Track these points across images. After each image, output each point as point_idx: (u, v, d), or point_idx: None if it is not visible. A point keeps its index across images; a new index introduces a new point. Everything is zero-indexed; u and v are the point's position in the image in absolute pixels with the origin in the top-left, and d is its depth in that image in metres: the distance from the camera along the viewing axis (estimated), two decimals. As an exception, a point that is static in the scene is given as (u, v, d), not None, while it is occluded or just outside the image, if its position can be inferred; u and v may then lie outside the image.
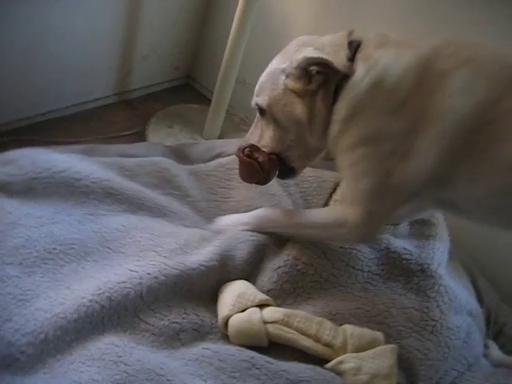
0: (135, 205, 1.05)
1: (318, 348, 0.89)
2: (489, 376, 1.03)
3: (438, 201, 0.98)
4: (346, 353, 0.89)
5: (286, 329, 0.90)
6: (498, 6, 1.28)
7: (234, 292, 0.94)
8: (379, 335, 0.92)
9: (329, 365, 0.88)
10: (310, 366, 0.87)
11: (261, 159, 0.99)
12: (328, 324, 0.91)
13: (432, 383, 0.95)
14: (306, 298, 1.00)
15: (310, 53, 0.92)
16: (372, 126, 0.90)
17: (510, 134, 0.83)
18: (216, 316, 0.93)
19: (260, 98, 1.00)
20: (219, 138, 1.82)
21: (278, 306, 0.95)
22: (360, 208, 0.93)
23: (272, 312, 0.92)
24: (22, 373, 0.75)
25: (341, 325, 0.93)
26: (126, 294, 0.85)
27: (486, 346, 1.11)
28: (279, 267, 1.01)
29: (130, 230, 0.98)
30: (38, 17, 1.50)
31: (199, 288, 0.94)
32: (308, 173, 1.24)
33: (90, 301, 0.82)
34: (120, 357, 0.80)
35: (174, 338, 0.88)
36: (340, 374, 0.87)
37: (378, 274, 1.05)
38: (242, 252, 0.99)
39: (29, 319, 0.79)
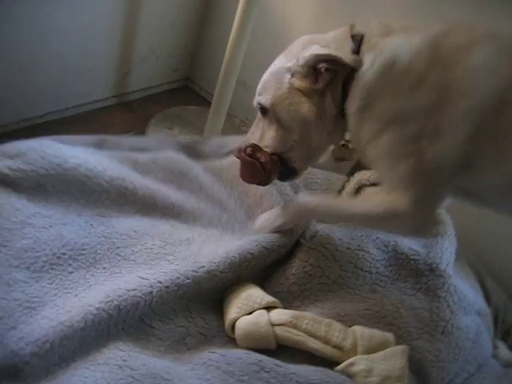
0: (148, 206, 1.02)
1: (327, 350, 0.88)
2: (500, 377, 1.02)
3: (462, 189, 0.94)
4: (356, 354, 0.87)
5: (294, 331, 0.88)
6: (498, 6, 1.28)
7: (241, 294, 0.92)
8: (389, 336, 0.91)
9: (339, 367, 0.86)
10: (320, 369, 0.85)
11: (263, 159, 0.97)
12: (337, 325, 0.90)
13: (443, 385, 0.94)
14: (314, 300, 0.98)
15: (318, 50, 0.91)
16: (390, 107, 0.88)
17: None
18: (222, 319, 0.92)
19: (263, 97, 0.98)
20: (221, 140, 1.81)
21: (285, 308, 0.94)
22: (407, 196, 0.88)
23: (280, 314, 0.90)
24: (25, 382, 0.73)
25: (350, 326, 0.92)
26: (135, 303, 0.83)
27: (494, 347, 1.10)
28: (286, 269, 1.00)
29: (141, 237, 0.96)
30: (35, 18, 1.48)
31: (207, 293, 0.93)
32: (317, 175, 1.23)
33: (98, 309, 0.80)
34: (125, 361, 0.79)
35: (180, 343, 0.87)
36: (351, 376, 0.85)
37: (386, 276, 1.04)
38: (252, 257, 0.96)
39: (34, 327, 0.76)
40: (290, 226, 1.02)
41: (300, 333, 0.88)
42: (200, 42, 2.05)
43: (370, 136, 0.90)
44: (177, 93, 2.08)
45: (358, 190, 1.20)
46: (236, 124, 1.95)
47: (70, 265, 0.87)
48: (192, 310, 0.90)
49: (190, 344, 0.87)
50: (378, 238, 1.08)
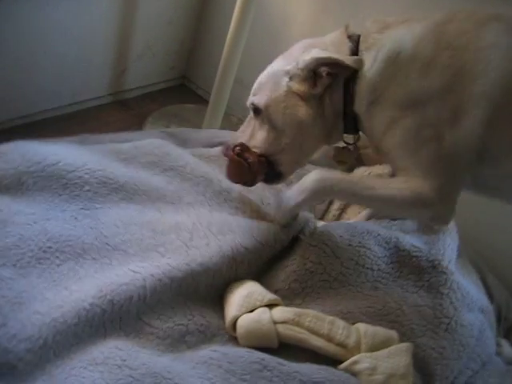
0: (131, 191, 1.01)
1: (331, 348, 0.86)
2: (504, 374, 1.01)
3: (479, 180, 0.93)
4: (359, 352, 0.86)
5: (297, 329, 0.87)
6: (499, 4, 1.27)
7: (242, 292, 0.91)
8: (393, 333, 0.90)
9: (343, 365, 0.85)
10: (323, 367, 0.83)
11: (251, 160, 0.96)
12: (340, 323, 0.88)
13: (448, 383, 0.93)
14: (315, 297, 0.97)
15: (319, 53, 0.90)
16: (402, 94, 0.87)
17: None
18: (223, 317, 0.90)
19: (257, 98, 0.97)
20: (217, 138, 1.79)
21: (287, 305, 0.92)
22: (429, 182, 0.86)
23: (282, 312, 0.89)
24: (20, 380, 0.71)
25: (353, 324, 0.90)
26: (128, 297, 0.81)
27: (498, 344, 1.09)
28: (287, 266, 0.99)
29: (128, 226, 0.94)
30: (33, 17, 1.47)
31: (204, 289, 0.91)
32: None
33: (91, 304, 0.79)
34: (124, 360, 0.77)
35: (180, 341, 0.85)
36: (355, 374, 0.84)
37: (388, 273, 1.03)
38: (247, 251, 0.95)
39: (25, 324, 0.74)
40: (310, 203, 0.98)
41: (303, 330, 0.87)
42: (197, 39, 2.04)
43: (385, 127, 0.89)
44: (173, 91, 2.07)
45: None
46: (233, 122, 1.94)
47: (58, 257, 0.85)
48: (191, 307, 0.89)
49: (190, 342, 0.85)
50: (379, 234, 1.07)
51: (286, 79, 0.94)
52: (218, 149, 1.18)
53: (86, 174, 0.98)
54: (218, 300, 0.93)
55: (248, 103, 1.00)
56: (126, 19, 1.74)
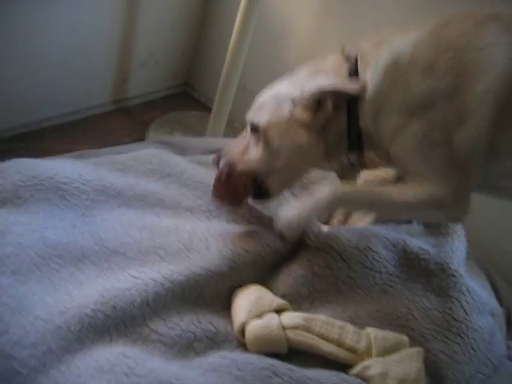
0: (129, 197, 1.01)
1: (341, 353, 0.85)
2: (517, 378, 0.99)
3: (489, 180, 0.93)
4: (370, 357, 0.85)
5: (307, 334, 0.86)
6: (500, 6, 1.27)
7: (250, 297, 0.90)
8: (404, 338, 0.89)
9: (354, 371, 0.84)
10: (335, 373, 0.82)
11: (238, 184, 0.96)
12: (350, 328, 0.87)
13: (459, 387, 0.91)
14: (323, 301, 0.96)
15: (324, 82, 0.90)
16: (407, 99, 0.87)
17: None
18: (230, 323, 0.89)
19: (257, 118, 0.96)
20: (220, 144, 1.79)
21: (294, 310, 0.91)
22: (444, 185, 0.87)
23: (291, 317, 0.88)
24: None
25: (363, 328, 0.89)
26: (131, 301, 0.81)
27: (508, 348, 1.08)
28: (294, 270, 0.98)
29: (127, 230, 0.94)
30: (34, 26, 1.47)
31: (209, 294, 0.90)
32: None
33: (93, 310, 0.78)
34: (132, 368, 0.75)
35: (188, 348, 0.84)
36: (366, 379, 0.83)
37: (396, 276, 1.02)
38: (248, 254, 0.95)
39: (28, 330, 0.74)
40: (322, 214, 0.99)
41: (313, 336, 0.85)
42: (199, 46, 2.04)
43: (393, 134, 0.89)
44: (176, 98, 2.08)
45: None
46: (237, 128, 1.94)
47: (57, 263, 0.85)
48: (198, 314, 0.88)
49: (199, 349, 0.84)
50: (386, 237, 1.06)
51: (290, 105, 0.93)
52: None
53: (82, 184, 1.00)
54: (224, 306, 0.92)
55: (247, 119, 0.99)
56: (128, 27, 1.74)
